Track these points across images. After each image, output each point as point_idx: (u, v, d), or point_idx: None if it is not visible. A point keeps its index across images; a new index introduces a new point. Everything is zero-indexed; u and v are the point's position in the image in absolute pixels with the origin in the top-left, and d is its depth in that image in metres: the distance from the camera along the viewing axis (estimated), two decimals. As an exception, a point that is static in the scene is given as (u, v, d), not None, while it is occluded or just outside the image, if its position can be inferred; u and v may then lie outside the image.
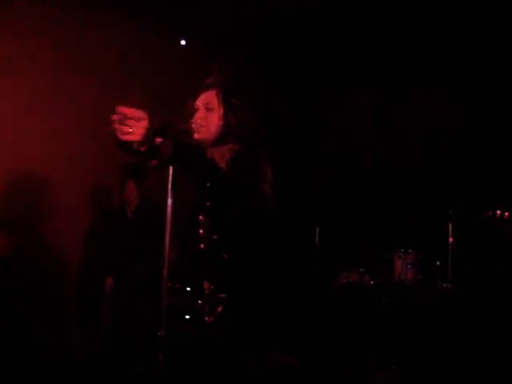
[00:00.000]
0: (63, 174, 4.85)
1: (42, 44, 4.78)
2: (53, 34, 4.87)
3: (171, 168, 2.41)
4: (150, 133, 2.01)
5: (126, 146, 2.02)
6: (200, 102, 2.57)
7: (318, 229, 5.51)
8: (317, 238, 5.53)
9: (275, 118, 5.46)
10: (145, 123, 1.99)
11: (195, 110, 2.55)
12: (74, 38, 4.98)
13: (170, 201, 2.41)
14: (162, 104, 3.62)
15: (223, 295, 2.46)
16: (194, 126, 2.52)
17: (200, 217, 2.54)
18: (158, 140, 2.04)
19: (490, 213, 4.02)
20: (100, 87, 5.03)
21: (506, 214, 3.96)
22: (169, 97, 4.32)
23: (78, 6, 4.93)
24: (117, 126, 1.98)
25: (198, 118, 2.49)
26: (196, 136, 2.49)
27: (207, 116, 2.50)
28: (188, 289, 2.66)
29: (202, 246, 2.55)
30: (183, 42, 5.13)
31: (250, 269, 2.47)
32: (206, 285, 2.52)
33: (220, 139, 2.48)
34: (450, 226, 5.06)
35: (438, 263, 5.11)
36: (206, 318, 2.49)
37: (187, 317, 2.62)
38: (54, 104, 4.89)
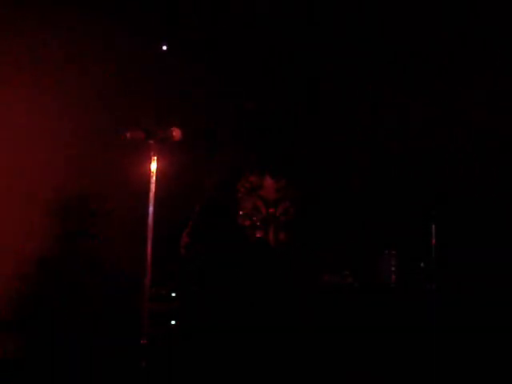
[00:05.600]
0: None
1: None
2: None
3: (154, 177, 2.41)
4: None
5: None
6: None
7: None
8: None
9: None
10: None
11: None
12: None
13: (151, 209, 2.40)
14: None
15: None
16: None
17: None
18: None
19: None
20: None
21: None
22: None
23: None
24: None
25: None
26: None
27: None
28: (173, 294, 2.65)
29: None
30: (164, 48, 5.07)
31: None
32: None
33: None
34: (434, 227, 5.07)
35: (422, 264, 5.13)
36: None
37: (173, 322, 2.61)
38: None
